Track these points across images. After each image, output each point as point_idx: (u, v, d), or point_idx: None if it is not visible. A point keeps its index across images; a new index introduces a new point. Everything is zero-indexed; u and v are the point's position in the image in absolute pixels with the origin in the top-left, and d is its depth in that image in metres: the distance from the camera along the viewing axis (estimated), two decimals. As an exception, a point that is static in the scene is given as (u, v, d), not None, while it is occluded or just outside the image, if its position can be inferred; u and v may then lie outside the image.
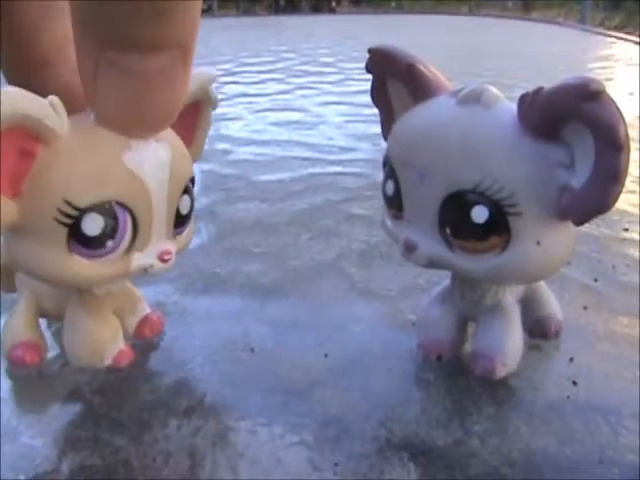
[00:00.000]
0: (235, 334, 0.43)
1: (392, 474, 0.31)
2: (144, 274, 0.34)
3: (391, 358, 0.40)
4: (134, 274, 0.34)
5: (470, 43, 2.79)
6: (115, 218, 0.30)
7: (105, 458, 0.32)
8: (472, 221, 0.31)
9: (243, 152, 0.91)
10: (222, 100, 1.30)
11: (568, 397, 0.36)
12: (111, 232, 0.31)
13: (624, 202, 0.67)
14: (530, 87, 0.31)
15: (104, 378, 0.38)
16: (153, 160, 0.31)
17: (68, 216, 0.29)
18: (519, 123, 0.31)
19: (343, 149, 0.91)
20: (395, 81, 0.37)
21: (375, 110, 0.39)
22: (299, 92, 1.38)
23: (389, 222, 0.37)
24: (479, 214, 0.31)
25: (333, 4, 6.09)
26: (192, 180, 0.35)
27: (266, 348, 0.41)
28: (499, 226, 0.31)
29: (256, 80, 1.57)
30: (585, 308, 0.45)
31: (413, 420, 0.34)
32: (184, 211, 0.35)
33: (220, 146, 0.94)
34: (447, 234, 0.33)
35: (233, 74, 1.67)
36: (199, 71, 0.36)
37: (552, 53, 2.29)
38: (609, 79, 1.57)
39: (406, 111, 0.35)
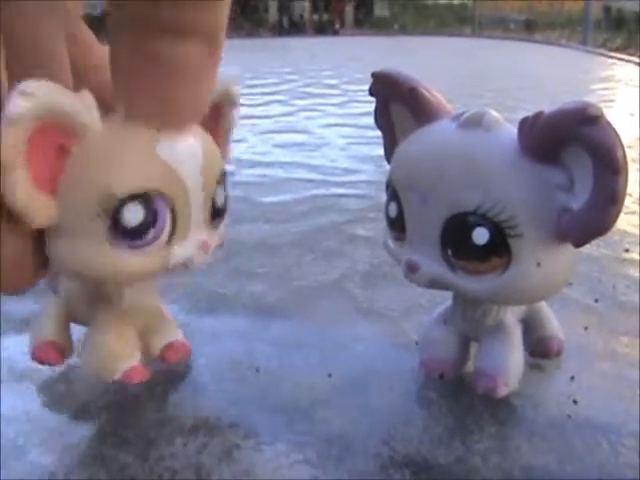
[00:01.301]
0: (240, 353, 0.43)
1: (395, 491, 0.31)
2: (184, 269, 0.34)
3: (394, 377, 0.40)
4: (175, 268, 0.34)
5: (473, 64, 2.81)
6: (153, 207, 0.30)
7: (112, 475, 0.32)
8: (473, 242, 0.32)
9: (247, 174, 0.91)
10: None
11: (569, 415, 0.37)
12: (151, 222, 0.30)
13: (624, 223, 0.68)
14: (532, 108, 0.31)
15: (111, 396, 0.39)
16: (186, 151, 0.32)
17: (107, 208, 0.29)
18: (519, 146, 0.32)
19: (346, 171, 0.92)
20: (398, 105, 0.38)
21: (378, 132, 0.40)
22: (303, 114, 1.39)
23: (391, 243, 0.37)
24: (480, 236, 0.32)
25: (336, 26, 6.12)
26: (224, 174, 0.36)
27: (271, 367, 0.42)
28: (500, 247, 0.32)
29: (260, 102, 1.58)
30: (586, 328, 0.46)
31: (415, 438, 0.35)
32: (220, 202, 0.35)
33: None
34: (449, 255, 0.33)
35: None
36: (221, 73, 0.36)
37: (554, 74, 2.30)
38: (610, 100, 1.58)
39: (409, 134, 0.36)
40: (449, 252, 0.33)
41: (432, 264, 0.34)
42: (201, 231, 0.34)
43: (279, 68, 2.35)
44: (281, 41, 4.24)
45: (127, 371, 0.38)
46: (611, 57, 3.11)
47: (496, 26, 6.05)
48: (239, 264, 0.59)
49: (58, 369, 0.41)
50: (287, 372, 0.41)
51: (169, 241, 0.32)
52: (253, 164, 0.97)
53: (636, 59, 2.87)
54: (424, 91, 0.36)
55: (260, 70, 2.32)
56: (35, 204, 0.28)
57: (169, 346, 0.41)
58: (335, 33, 5.91)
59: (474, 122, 0.33)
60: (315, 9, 6.38)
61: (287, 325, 0.47)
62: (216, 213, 0.35)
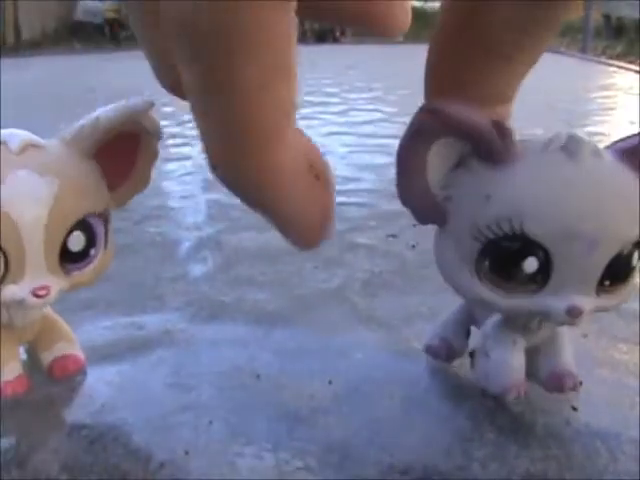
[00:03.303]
0: (241, 361, 0.43)
1: (395, 498, 0.31)
2: (20, 307, 0.35)
3: (394, 385, 0.40)
4: (6, 305, 0.34)
5: (473, 73, 2.80)
6: None
7: (114, 482, 0.32)
8: (631, 266, 0.33)
9: (248, 182, 0.91)
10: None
11: (568, 422, 0.37)
12: None
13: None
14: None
15: (111, 404, 0.39)
16: (27, 196, 0.32)
17: None
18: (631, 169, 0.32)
19: (347, 179, 0.92)
20: (443, 142, 0.33)
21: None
22: (303, 122, 1.38)
23: (499, 296, 0.34)
24: (636, 259, 0.33)
25: (337, 34, 6.13)
26: (105, 218, 0.36)
27: (271, 375, 0.42)
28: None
29: (261, 110, 1.58)
30: (585, 335, 0.46)
31: (415, 445, 0.35)
32: (75, 248, 0.35)
33: (225, 176, 0.95)
34: (605, 285, 0.33)
35: (238, 104, 1.68)
36: (130, 100, 0.36)
37: (554, 82, 2.30)
38: (610, 108, 1.58)
39: (455, 175, 0.33)
40: (607, 283, 0.33)
41: (587, 300, 0.34)
42: (41, 274, 0.34)
43: (280, 76, 2.34)
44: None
45: (3, 384, 0.38)
46: (611, 65, 3.11)
47: (496, 34, 6.05)
48: (240, 272, 0.59)
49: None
50: (288, 380, 0.41)
51: (2, 280, 0.32)
52: (254, 172, 0.97)
53: (636, 67, 2.87)
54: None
55: (261, 78, 2.31)
56: None
57: (57, 360, 0.41)
58: (336, 41, 5.92)
59: (589, 152, 0.32)
60: (316, 17, 6.38)
61: (288, 333, 0.47)
62: (69, 258, 0.35)
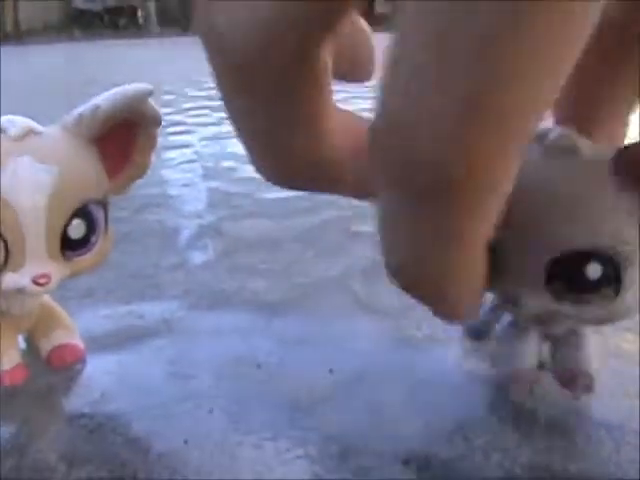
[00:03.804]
0: (241, 350, 0.43)
1: (396, 488, 0.31)
2: (20, 295, 0.34)
3: (395, 373, 0.40)
4: (7, 293, 0.34)
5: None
6: None
7: (112, 472, 0.32)
8: (587, 278, 0.31)
9: (249, 170, 0.91)
10: (228, 118, 1.31)
11: (571, 412, 0.36)
12: None
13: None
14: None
15: (110, 393, 0.38)
16: (27, 183, 0.32)
17: None
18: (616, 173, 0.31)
19: (348, 167, 0.91)
20: None
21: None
22: (304, 110, 1.38)
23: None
24: (594, 271, 0.31)
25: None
26: (103, 205, 0.35)
27: (272, 364, 0.41)
28: (611, 278, 0.31)
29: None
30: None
31: (417, 434, 0.35)
32: (75, 235, 0.35)
33: (226, 164, 0.95)
34: (563, 291, 0.32)
35: (239, 92, 1.68)
36: (129, 87, 0.36)
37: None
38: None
39: None
40: (559, 286, 0.32)
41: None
42: (42, 262, 0.34)
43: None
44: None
45: (1, 373, 0.38)
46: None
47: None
48: (240, 260, 0.58)
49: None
50: (288, 368, 0.41)
51: (2, 268, 0.32)
52: (255, 160, 0.97)
53: None
54: None
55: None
56: None
57: (56, 349, 0.41)
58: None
59: (567, 150, 0.31)
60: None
61: (288, 321, 0.47)
62: (70, 245, 0.35)
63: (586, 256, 0.30)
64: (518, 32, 0.13)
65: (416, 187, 0.17)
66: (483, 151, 0.15)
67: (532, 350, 0.38)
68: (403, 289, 0.22)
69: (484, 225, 0.18)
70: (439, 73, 0.14)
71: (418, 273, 0.21)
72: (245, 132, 0.22)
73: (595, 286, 0.31)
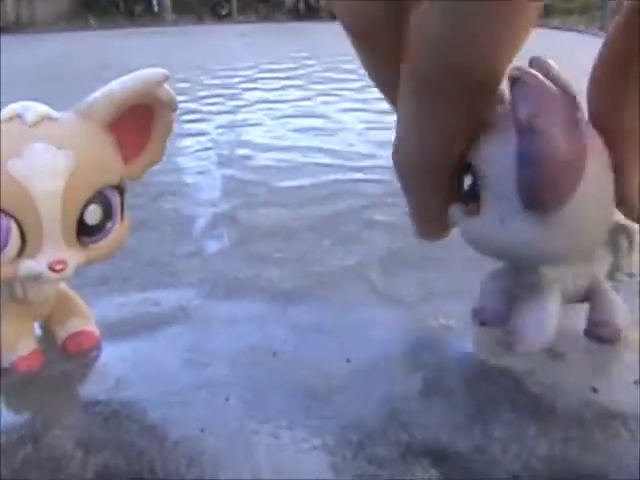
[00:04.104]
0: (257, 338, 0.43)
1: (413, 479, 0.31)
2: (37, 281, 0.34)
3: (413, 363, 0.40)
4: (23, 279, 0.34)
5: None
6: None
7: (128, 460, 0.32)
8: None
9: (264, 158, 0.91)
10: (243, 106, 1.31)
11: (588, 404, 0.36)
12: None
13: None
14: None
15: (126, 380, 0.38)
16: (44, 169, 0.32)
17: None
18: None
19: (364, 156, 0.91)
20: None
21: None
22: (320, 99, 1.38)
23: None
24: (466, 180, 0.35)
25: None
26: (120, 190, 0.35)
27: (287, 352, 0.41)
28: (476, 194, 0.34)
29: (277, 86, 1.57)
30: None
31: (434, 425, 0.35)
32: (92, 221, 0.35)
33: (241, 152, 0.95)
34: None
35: (254, 80, 1.68)
36: (144, 72, 0.35)
37: (573, 61, 2.27)
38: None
39: None
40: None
41: None
42: (59, 248, 0.34)
43: (296, 52, 2.34)
44: (297, 25, 4.23)
45: (16, 360, 0.38)
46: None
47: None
48: (256, 249, 0.58)
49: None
50: (304, 357, 0.41)
51: (19, 255, 0.32)
52: (270, 148, 0.97)
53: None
54: None
55: (276, 54, 2.31)
56: None
57: (72, 336, 0.41)
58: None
59: None
60: (332, -7, 6.34)
61: (304, 310, 0.47)
62: (86, 231, 0.35)
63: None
64: None
65: (446, 87, 0.28)
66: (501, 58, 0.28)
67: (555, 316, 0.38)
68: (403, 173, 0.34)
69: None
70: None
71: (420, 160, 0.33)
72: None
73: (468, 197, 0.35)
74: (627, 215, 0.35)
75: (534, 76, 0.30)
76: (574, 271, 0.40)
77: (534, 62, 0.33)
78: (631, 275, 0.40)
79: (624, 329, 0.41)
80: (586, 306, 0.41)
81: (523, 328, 0.38)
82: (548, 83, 0.30)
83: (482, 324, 0.41)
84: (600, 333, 0.41)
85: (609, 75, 0.32)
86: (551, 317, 0.38)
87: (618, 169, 0.32)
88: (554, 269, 0.38)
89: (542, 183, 0.30)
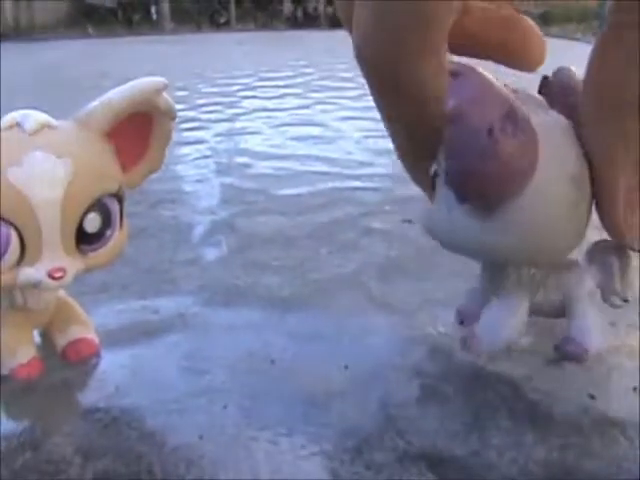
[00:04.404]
0: (255, 346, 0.43)
1: (411, 484, 0.31)
2: (36, 289, 0.35)
3: (410, 370, 0.40)
4: (23, 287, 0.34)
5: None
6: None
7: (128, 466, 0.32)
8: None
9: (263, 166, 0.91)
10: (242, 114, 1.31)
11: (586, 410, 0.36)
12: None
13: None
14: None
15: (125, 387, 0.39)
16: (43, 177, 0.32)
17: None
18: None
19: (362, 164, 0.91)
20: None
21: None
22: (318, 107, 1.38)
23: None
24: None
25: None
26: (119, 198, 0.35)
27: (286, 359, 0.42)
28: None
29: (275, 95, 1.58)
30: (613, 324, 0.45)
31: (431, 431, 0.35)
32: (91, 229, 0.35)
33: (240, 160, 0.95)
34: None
35: (252, 88, 1.68)
36: (143, 80, 0.36)
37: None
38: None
39: None
40: None
41: None
42: (58, 256, 0.34)
43: (294, 61, 2.35)
44: (295, 33, 4.24)
45: (15, 369, 0.38)
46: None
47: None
48: (255, 256, 0.58)
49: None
50: (303, 364, 0.41)
51: (18, 263, 0.32)
52: (269, 156, 0.97)
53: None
54: None
55: (275, 63, 2.31)
56: None
57: (72, 344, 0.41)
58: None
59: None
60: (329, 2, 6.36)
61: (302, 317, 0.47)
62: (86, 239, 0.35)
63: None
64: None
65: None
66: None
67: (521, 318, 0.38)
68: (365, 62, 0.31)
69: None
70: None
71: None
72: None
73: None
74: (617, 240, 0.35)
75: (472, 70, 0.30)
76: (543, 281, 0.39)
77: (558, 71, 0.33)
78: (626, 300, 0.40)
79: (593, 349, 0.40)
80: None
81: (480, 328, 0.38)
82: (489, 80, 0.30)
83: (460, 323, 0.42)
84: (566, 350, 0.41)
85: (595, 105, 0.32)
86: (509, 318, 0.38)
87: (601, 194, 0.32)
88: (518, 271, 0.38)
89: (466, 173, 0.30)
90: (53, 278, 0.34)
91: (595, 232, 0.36)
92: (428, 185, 0.34)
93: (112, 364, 0.41)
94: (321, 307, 0.49)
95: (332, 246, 0.60)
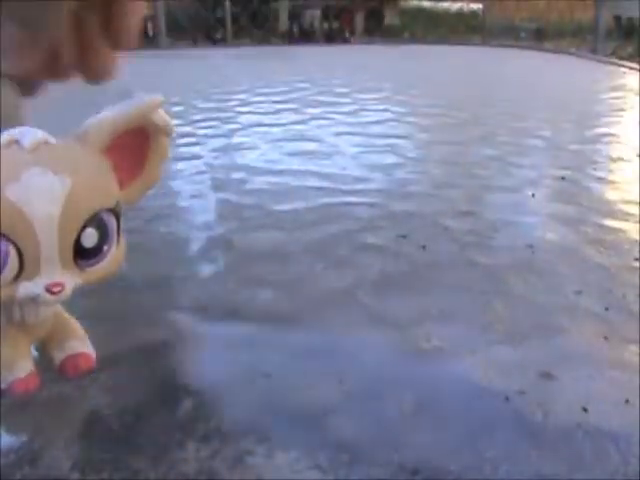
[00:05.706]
0: (251, 360, 0.43)
1: (405, 498, 0.31)
2: (34, 302, 0.35)
3: (404, 385, 0.40)
4: (21, 301, 0.34)
5: (483, 73, 2.80)
6: None
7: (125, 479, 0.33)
8: None
9: (259, 181, 0.92)
10: (238, 130, 1.32)
11: (578, 424, 0.37)
12: None
13: (635, 232, 0.68)
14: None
15: (124, 402, 0.39)
16: (41, 193, 0.32)
17: None
18: None
19: (357, 179, 0.92)
20: None
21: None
22: (314, 122, 1.39)
23: None
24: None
25: (347, 34, 6.12)
26: (116, 213, 0.36)
27: (282, 374, 0.42)
28: None
29: (271, 110, 1.58)
30: (606, 338, 0.46)
31: (426, 445, 0.35)
32: (88, 244, 0.35)
33: (236, 175, 0.95)
34: None
35: (249, 104, 1.69)
36: (139, 98, 0.36)
37: (565, 83, 2.29)
38: (620, 109, 1.57)
39: None
40: None
41: None
42: (56, 271, 0.34)
43: (290, 76, 2.35)
44: (291, 49, 4.25)
45: (13, 382, 0.38)
46: (621, 66, 3.11)
47: (506, 34, 6.03)
48: (251, 272, 0.59)
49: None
50: (298, 379, 0.41)
51: (17, 277, 0.33)
52: (264, 172, 0.97)
53: (646, 68, 2.86)
54: None
55: (271, 78, 2.32)
56: None
57: (69, 359, 0.41)
58: (346, 41, 5.90)
59: None
60: (325, 17, 6.37)
61: (298, 333, 0.48)
62: (83, 254, 0.35)
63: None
64: None
65: None
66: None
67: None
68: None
69: None
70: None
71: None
72: None
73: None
74: None
75: None
76: None
77: None
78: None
79: None
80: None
81: None
82: None
83: None
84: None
85: None
86: None
87: None
88: None
89: None
90: (51, 293, 0.34)
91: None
92: None
93: (109, 379, 0.41)
94: (316, 322, 0.49)
95: (327, 261, 0.61)
